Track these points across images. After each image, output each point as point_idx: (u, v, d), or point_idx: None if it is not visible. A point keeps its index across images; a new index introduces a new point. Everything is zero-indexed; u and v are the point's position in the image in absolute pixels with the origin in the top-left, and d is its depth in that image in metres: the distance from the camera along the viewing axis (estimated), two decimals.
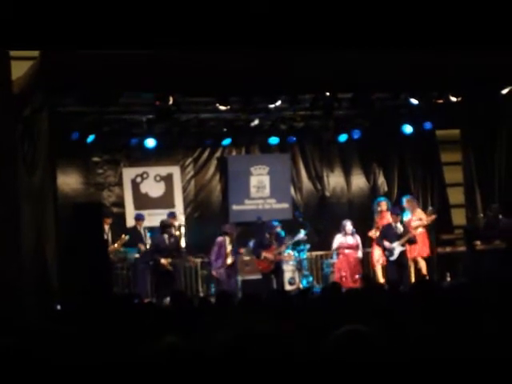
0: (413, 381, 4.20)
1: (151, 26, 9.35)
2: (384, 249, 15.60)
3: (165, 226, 15.60)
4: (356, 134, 17.37)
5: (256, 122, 16.43)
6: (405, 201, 16.60)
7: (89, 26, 9.20)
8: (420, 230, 16.16)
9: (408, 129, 17.23)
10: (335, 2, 9.91)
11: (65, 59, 11.13)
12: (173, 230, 15.82)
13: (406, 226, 15.70)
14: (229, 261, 15.90)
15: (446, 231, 17.32)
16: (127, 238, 15.64)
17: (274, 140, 17.51)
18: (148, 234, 16.09)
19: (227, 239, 15.94)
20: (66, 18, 9.08)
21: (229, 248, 15.94)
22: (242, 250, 16.36)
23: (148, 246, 15.84)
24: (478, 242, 15.86)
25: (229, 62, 11.66)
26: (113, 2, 9.21)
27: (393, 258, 15.46)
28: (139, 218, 16.26)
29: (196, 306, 8.57)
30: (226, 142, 17.32)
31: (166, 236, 15.50)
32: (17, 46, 10.16)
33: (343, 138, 17.53)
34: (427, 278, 15.76)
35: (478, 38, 10.66)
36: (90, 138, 15.76)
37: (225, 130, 16.79)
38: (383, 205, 16.66)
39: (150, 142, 16.27)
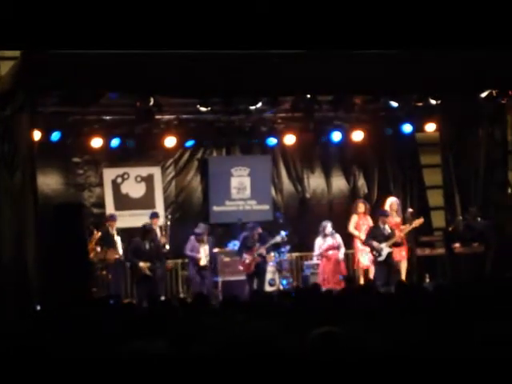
0: (391, 380, 4.25)
1: (149, 28, 9.36)
2: (372, 249, 15.65)
3: (146, 232, 15.56)
4: (336, 137, 17.46)
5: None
6: (391, 203, 16.63)
7: (72, 26, 9.21)
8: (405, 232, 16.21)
9: (388, 131, 17.34)
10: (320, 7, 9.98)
11: (46, 60, 11.13)
12: (155, 235, 15.78)
13: (392, 228, 15.79)
14: (203, 262, 15.85)
15: (426, 233, 17.41)
16: (99, 234, 15.52)
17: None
18: (118, 238, 15.93)
19: (200, 240, 15.88)
20: (49, 19, 9.09)
21: (202, 250, 15.87)
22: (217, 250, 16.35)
23: (120, 250, 15.72)
24: (458, 245, 15.97)
25: (210, 63, 11.70)
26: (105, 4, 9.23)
27: (381, 259, 15.54)
28: (111, 219, 16.12)
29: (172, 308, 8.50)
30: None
31: (146, 241, 15.44)
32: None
33: (324, 140, 17.62)
34: (405, 280, 15.86)
35: (460, 41, 10.76)
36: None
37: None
38: (361, 207, 16.79)
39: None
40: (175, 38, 9.86)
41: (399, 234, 15.76)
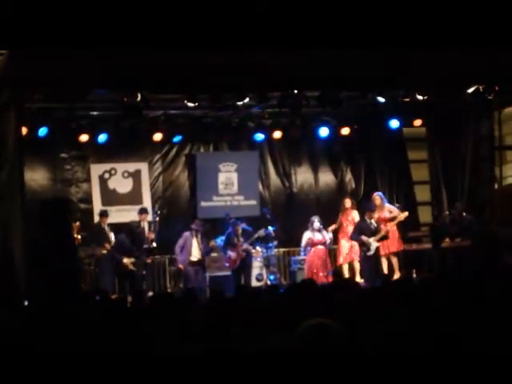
0: (380, 375, 4.28)
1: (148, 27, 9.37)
2: (362, 244, 15.71)
3: (131, 228, 15.58)
4: (323, 132, 17.52)
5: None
6: (374, 197, 16.68)
7: (63, 26, 9.21)
8: (392, 226, 16.26)
9: (375, 127, 17.42)
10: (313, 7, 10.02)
11: (32, 55, 11.10)
12: (141, 231, 15.78)
13: (378, 222, 15.85)
14: (195, 258, 15.88)
15: (413, 228, 17.47)
16: (78, 224, 15.50)
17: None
18: (112, 234, 15.94)
19: (194, 235, 15.93)
20: (39, 19, 9.08)
21: (195, 245, 15.92)
22: (213, 243, 16.34)
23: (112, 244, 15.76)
24: (447, 240, 16.03)
25: (197, 58, 11.69)
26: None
27: (370, 253, 15.61)
28: (103, 215, 16.14)
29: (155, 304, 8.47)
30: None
31: (130, 238, 15.45)
32: None
33: (311, 135, 17.68)
34: (400, 274, 15.95)
35: (450, 39, 10.81)
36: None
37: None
38: (347, 202, 16.86)
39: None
40: (166, 38, 9.88)
41: (385, 228, 15.82)
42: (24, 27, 9.29)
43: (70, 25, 9.39)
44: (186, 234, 15.96)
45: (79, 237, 15.32)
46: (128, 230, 15.59)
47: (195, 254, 15.88)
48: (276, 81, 12.84)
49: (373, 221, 15.79)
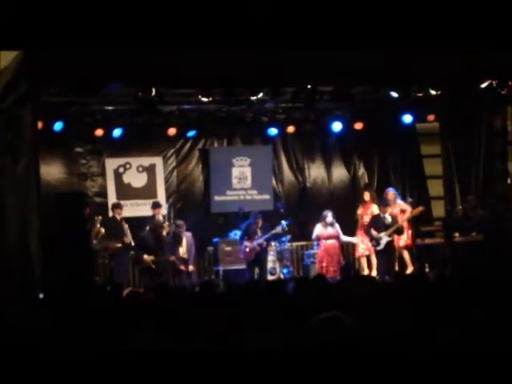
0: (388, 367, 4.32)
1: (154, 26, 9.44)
2: (371, 238, 15.75)
3: (155, 226, 15.55)
4: (337, 127, 17.56)
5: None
6: (387, 192, 16.71)
7: (76, 25, 9.29)
8: (404, 221, 16.29)
9: (389, 121, 17.44)
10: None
11: (49, 50, 11.19)
12: (162, 231, 15.76)
13: (394, 216, 15.85)
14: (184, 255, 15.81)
15: (426, 223, 17.49)
16: (100, 217, 15.60)
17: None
18: (126, 226, 15.99)
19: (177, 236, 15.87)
20: (53, 18, 9.17)
21: (181, 246, 15.77)
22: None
23: (130, 236, 15.80)
24: (457, 234, 16.06)
25: (211, 53, 11.75)
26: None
27: (379, 248, 15.63)
28: (116, 206, 16.15)
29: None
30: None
31: (153, 236, 15.41)
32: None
33: (324, 130, 17.75)
34: (412, 268, 16.01)
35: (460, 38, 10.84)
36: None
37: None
38: (366, 195, 16.91)
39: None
40: (180, 35, 9.96)
41: (400, 223, 15.84)
42: (40, 26, 9.39)
43: (86, 23, 9.48)
44: (169, 236, 15.85)
45: (103, 230, 15.44)
46: (152, 228, 15.56)
47: (183, 254, 15.72)
48: (289, 76, 12.89)
49: (387, 215, 15.78)
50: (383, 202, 16.25)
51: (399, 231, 15.81)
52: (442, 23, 10.64)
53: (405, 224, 16.13)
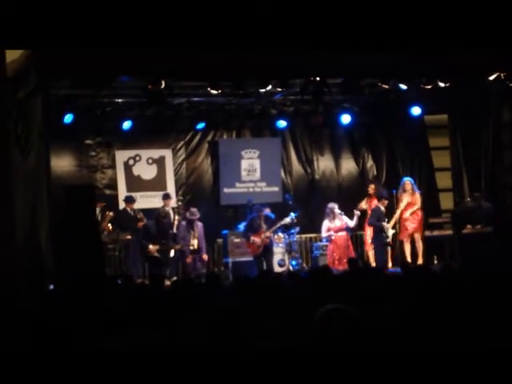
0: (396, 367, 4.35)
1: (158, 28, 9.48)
2: (382, 230, 15.79)
3: (158, 215, 15.72)
4: (345, 119, 17.59)
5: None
6: (405, 182, 16.72)
7: (85, 26, 9.34)
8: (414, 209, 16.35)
9: (397, 114, 17.46)
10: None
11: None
12: (166, 219, 15.87)
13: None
14: (192, 247, 15.88)
15: (434, 215, 17.54)
16: (111, 213, 15.71)
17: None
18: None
19: (190, 224, 15.99)
20: (63, 19, 9.21)
21: (192, 234, 15.90)
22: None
23: (144, 220, 15.89)
24: (469, 226, 16.09)
25: (220, 46, 11.78)
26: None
27: (388, 240, 15.73)
28: (129, 201, 16.30)
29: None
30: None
31: (157, 225, 15.59)
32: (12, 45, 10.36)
33: (333, 122, 17.79)
34: (422, 260, 16.07)
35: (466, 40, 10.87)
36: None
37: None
38: (371, 188, 16.97)
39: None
40: (191, 31, 10.01)
41: (396, 215, 15.98)
42: (49, 23, 9.45)
43: (95, 21, 9.54)
44: (183, 223, 16.00)
45: (110, 227, 15.53)
46: (156, 217, 15.73)
47: (193, 243, 15.92)
48: (298, 68, 12.92)
49: (383, 208, 15.95)
50: (383, 195, 16.34)
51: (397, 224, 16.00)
52: (448, 27, 10.69)
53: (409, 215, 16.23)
